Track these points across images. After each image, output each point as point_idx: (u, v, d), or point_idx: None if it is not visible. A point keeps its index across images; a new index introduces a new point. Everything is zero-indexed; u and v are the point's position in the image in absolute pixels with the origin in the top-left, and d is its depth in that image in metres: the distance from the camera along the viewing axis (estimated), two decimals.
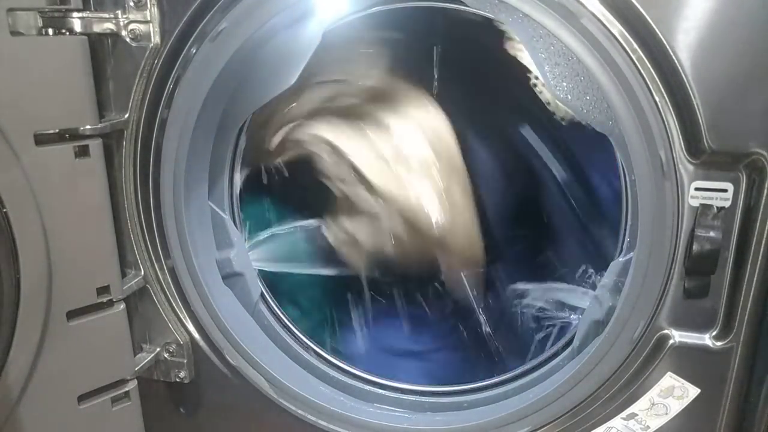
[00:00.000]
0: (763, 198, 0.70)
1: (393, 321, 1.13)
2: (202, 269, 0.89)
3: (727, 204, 0.71)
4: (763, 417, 0.77)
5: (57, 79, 0.76)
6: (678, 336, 0.77)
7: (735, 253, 0.73)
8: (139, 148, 0.85)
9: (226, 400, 0.97)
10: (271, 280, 1.02)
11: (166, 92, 0.82)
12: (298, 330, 1.02)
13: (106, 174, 0.83)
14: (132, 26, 0.80)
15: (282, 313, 1.02)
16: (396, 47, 1.00)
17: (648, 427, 0.82)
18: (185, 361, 0.95)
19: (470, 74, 1.07)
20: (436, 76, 1.04)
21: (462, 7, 0.77)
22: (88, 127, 0.79)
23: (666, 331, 0.78)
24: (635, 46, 0.68)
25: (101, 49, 0.81)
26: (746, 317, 0.74)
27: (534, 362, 0.94)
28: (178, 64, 0.81)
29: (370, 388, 0.99)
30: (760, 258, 0.72)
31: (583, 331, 0.86)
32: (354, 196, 1.00)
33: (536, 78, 0.93)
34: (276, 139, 1.01)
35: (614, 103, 0.70)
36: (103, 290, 0.85)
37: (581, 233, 0.99)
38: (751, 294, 0.73)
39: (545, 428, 0.85)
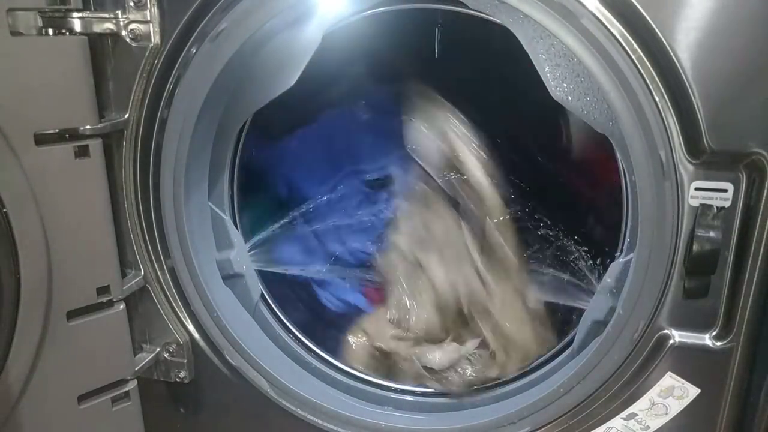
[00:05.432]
0: (763, 198, 0.70)
1: None
2: (202, 269, 0.89)
3: (727, 204, 0.71)
4: (763, 417, 0.77)
5: (57, 79, 0.76)
6: (678, 336, 0.77)
7: (735, 253, 0.73)
8: (139, 148, 0.85)
9: (226, 400, 0.97)
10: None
11: (166, 92, 0.82)
12: (298, 330, 1.02)
13: (106, 174, 0.83)
14: (132, 26, 0.80)
15: (282, 313, 1.02)
16: None
17: (648, 427, 0.82)
18: (185, 361, 0.95)
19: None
20: None
21: (462, 8, 0.77)
22: (88, 127, 0.79)
23: (666, 331, 0.78)
24: (635, 46, 0.68)
25: (101, 49, 0.81)
26: (746, 317, 0.74)
27: (534, 362, 0.94)
28: (178, 64, 0.80)
29: (370, 388, 0.99)
30: (760, 258, 0.72)
31: (583, 331, 0.86)
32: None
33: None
34: None
35: (614, 104, 0.70)
36: (103, 290, 0.85)
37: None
38: (751, 294, 0.73)
39: (545, 428, 0.85)
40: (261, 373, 0.93)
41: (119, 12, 0.79)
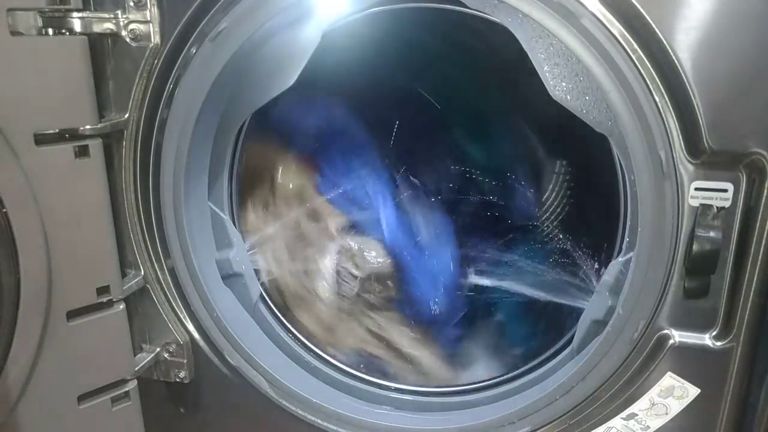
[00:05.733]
0: (763, 198, 0.70)
1: None
2: (201, 269, 0.89)
3: (727, 204, 0.71)
4: (763, 417, 0.77)
5: (57, 79, 0.76)
6: (678, 336, 0.77)
7: (735, 253, 0.73)
8: (139, 148, 0.85)
9: (226, 400, 0.97)
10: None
11: (166, 92, 0.82)
12: (297, 330, 1.02)
13: (106, 174, 0.83)
14: (132, 26, 0.80)
15: (281, 313, 1.02)
16: None
17: (648, 427, 0.82)
18: (185, 361, 0.95)
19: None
20: None
21: (462, 8, 0.77)
22: (88, 127, 0.79)
23: (666, 331, 0.78)
24: (635, 46, 0.68)
25: (101, 49, 0.81)
26: (746, 317, 0.74)
27: (534, 362, 0.94)
28: (178, 64, 0.81)
29: (370, 388, 0.99)
30: (760, 258, 0.72)
31: (583, 331, 0.86)
32: None
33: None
34: None
35: (614, 104, 0.70)
36: (103, 290, 0.85)
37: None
38: (751, 294, 0.73)
39: (545, 428, 0.85)
40: (261, 373, 0.93)
41: (119, 12, 0.79)
